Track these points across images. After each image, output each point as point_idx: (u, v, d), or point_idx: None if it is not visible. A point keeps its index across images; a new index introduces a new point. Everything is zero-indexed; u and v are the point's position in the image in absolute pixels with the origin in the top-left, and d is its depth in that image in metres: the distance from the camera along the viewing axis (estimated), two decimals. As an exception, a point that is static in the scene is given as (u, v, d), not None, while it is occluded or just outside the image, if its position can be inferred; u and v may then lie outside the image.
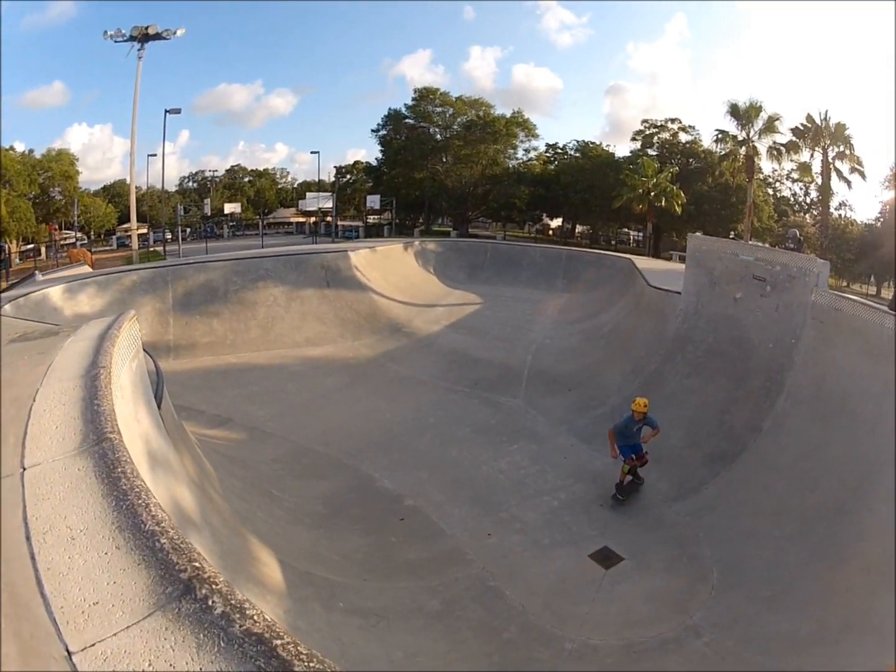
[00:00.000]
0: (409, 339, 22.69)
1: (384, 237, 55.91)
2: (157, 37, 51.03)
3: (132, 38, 50.42)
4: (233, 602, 2.74)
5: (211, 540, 6.20)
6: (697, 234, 27.67)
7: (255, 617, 2.70)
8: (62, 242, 65.36)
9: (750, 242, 40.65)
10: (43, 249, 62.96)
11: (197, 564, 3.00)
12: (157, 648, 2.62)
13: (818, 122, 47.52)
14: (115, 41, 50.57)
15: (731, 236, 47.27)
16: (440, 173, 65.75)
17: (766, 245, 41.77)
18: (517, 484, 13.60)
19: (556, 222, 78.43)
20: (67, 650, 2.65)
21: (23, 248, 65.38)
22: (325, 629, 6.93)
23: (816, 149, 48.22)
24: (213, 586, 2.83)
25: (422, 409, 17.06)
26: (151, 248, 61.46)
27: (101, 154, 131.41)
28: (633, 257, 32.26)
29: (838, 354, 13.08)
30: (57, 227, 71.10)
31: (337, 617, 7.42)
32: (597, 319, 24.36)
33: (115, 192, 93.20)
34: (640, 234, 65.82)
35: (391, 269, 29.39)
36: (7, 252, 57.98)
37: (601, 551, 11.16)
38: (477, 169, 65.15)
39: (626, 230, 72.85)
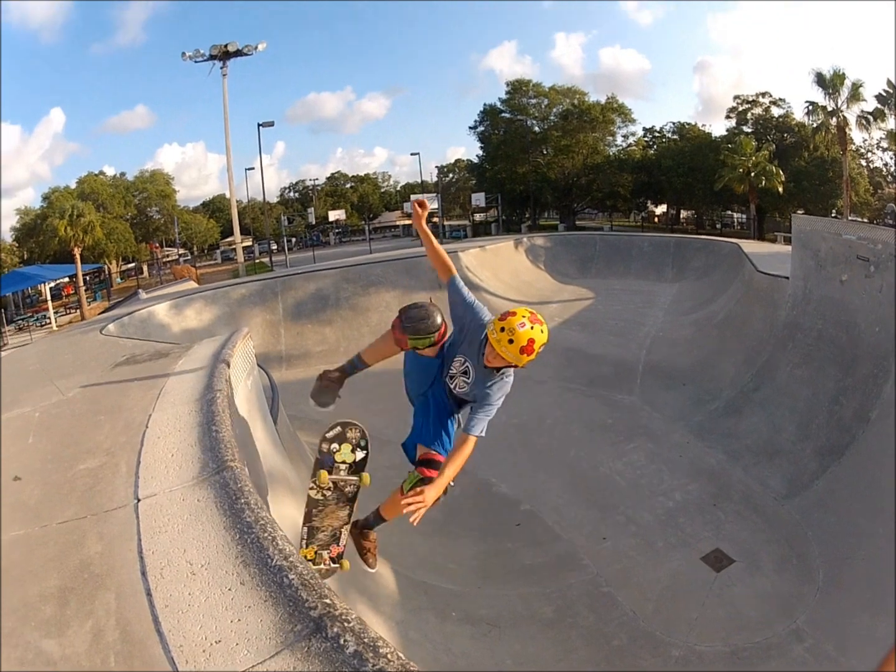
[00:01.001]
0: (523, 339, 22.47)
1: (492, 235, 56.06)
2: (238, 53, 51.69)
3: (212, 58, 51.21)
4: (366, 640, 2.71)
5: None
6: (800, 213, 26.98)
7: (389, 656, 2.64)
8: (164, 260, 67.29)
9: (850, 219, 39.54)
10: (145, 268, 64.98)
11: (328, 601, 2.97)
12: None
13: None
14: (196, 61, 51.46)
15: (833, 214, 46.04)
16: (542, 166, 65.49)
17: (865, 220, 40.55)
18: (633, 485, 13.50)
19: (661, 209, 77.30)
20: None
21: (123, 268, 67.54)
22: (437, 639, 7.02)
23: None
24: (346, 624, 2.81)
25: (539, 410, 17.00)
26: (258, 260, 62.71)
27: (196, 172, 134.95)
28: (739, 241, 31.54)
29: None
30: (158, 245, 73.13)
31: (450, 626, 7.50)
32: (708, 309, 23.99)
33: (214, 207, 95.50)
34: (744, 216, 64.42)
35: (502, 266, 29.43)
36: (108, 273, 60.04)
37: (713, 553, 11.01)
38: (578, 159, 64.67)
39: (729, 213, 71.38)
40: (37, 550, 3.69)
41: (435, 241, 5.44)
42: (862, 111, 46.82)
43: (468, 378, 5.22)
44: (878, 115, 46.61)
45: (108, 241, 59.69)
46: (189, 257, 74.28)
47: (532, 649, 7.91)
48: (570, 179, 65.48)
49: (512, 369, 5.20)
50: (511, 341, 4.64)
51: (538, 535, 11.28)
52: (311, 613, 2.88)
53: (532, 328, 4.69)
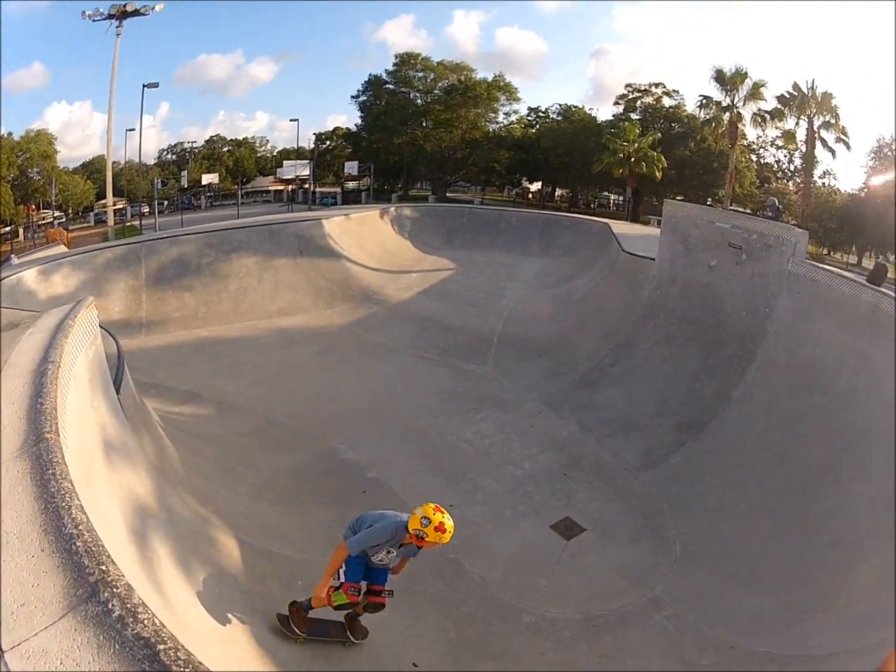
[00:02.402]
0: (380, 306, 22.68)
1: (362, 203, 55.61)
2: (136, 13, 50.76)
3: (110, 17, 50.02)
4: (128, 606, 2.88)
5: (167, 524, 6.25)
6: (676, 199, 27.69)
7: (146, 621, 2.84)
8: (40, 223, 64.96)
9: (731, 208, 40.68)
10: (21, 231, 62.61)
11: (104, 568, 3.10)
12: (67, 648, 2.80)
13: (805, 90, 47.37)
14: (94, 20, 50.23)
15: (708, 203, 47.29)
16: (419, 138, 65.34)
17: (748, 211, 41.80)
18: (482, 453, 13.60)
19: (536, 186, 78.01)
20: (0, 649, 2.80)
21: (1, 232, 65.08)
22: (282, 608, 6.89)
23: (802, 117, 48.15)
24: (114, 590, 2.96)
25: (390, 378, 17.08)
26: (129, 223, 61.06)
27: (80, 131, 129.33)
28: (610, 222, 32.11)
29: (813, 326, 13.20)
30: (35, 207, 70.48)
31: (295, 594, 7.33)
32: (570, 285, 24.37)
33: (93, 169, 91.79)
34: (621, 197, 65.56)
35: (366, 235, 29.16)
36: None
37: (563, 522, 11.17)
38: (457, 133, 64.70)
39: (606, 194, 72.48)
40: None
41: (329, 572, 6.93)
42: (760, 109, 48.10)
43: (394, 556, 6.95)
44: (776, 114, 47.89)
45: None
46: (63, 220, 71.83)
47: (380, 616, 7.90)
48: (447, 153, 65.46)
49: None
50: (445, 531, 6.33)
51: (384, 502, 10.91)
52: (90, 579, 3.07)
53: (449, 525, 6.38)
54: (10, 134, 71.37)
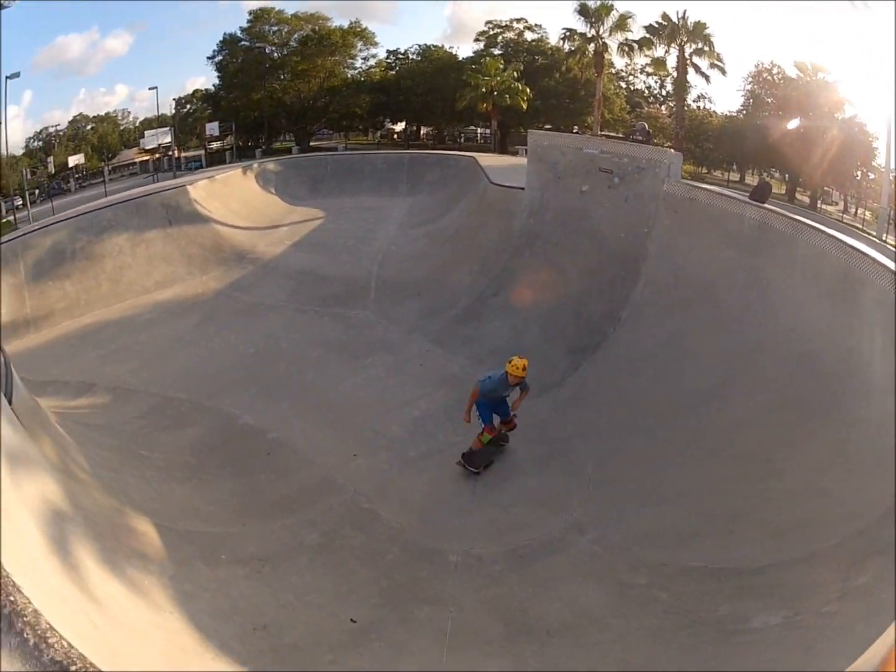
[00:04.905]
0: (254, 265, 22.36)
1: (227, 163, 54.63)
2: None
3: None
4: (38, 632, 2.95)
5: (84, 525, 6.19)
6: (545, 129, 27.78)
7: (55, 645, 2.93)
8: None
9: (600, 134, 41.13)
10: None
11: (12, 598, 3.12)
12: None
13: (675, 20, 47.78)
14: None
15: (574, 130, 47.70)
16: (277, 91, 64.29)
17: (619, 136, 42.28)
18: (377, 399, 13.80)
19: (400, 126, 77.67)
20: None
21: None
22: (213, 587, 6.97)
23: (672, 45, 48.53)
24: (24, 618, 3.01)
25: (273, 336, 17.00)
26: (4, 220, 58.96)
27: None
28: (477, 155, 32.19)
29: (696, 244, 13.62)
30: None
31: (222, 571, 7.45)
32: (441, 222, 24.46)
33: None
34: (488, 131, 65.67)
35: (231, 195, 28.40)
36: None
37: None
38: (315, 83, 63.80)
39: (472, 128, 72.47)
40: None
41: (469, 404, 11.64)
42: (627, 39, 48.32)
43: (508, 393, 11.30)
44: (644, 43, 48.10)
45: None
46: (-72, 222, 68.89)
47: (309, 578, 8.00)
48: (306, 103, 64.61)
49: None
50: (515, 367, 10.64)
51: (290, 462, 11.31)
52: (4, 611, 3.07)
53: (520, 360, 10.70)
54: None
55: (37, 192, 71.34)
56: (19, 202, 59.17)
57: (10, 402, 7.72)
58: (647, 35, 48.31)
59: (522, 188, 19.19)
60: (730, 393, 10.98)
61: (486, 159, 29.41)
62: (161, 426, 12.59)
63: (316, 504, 10.16)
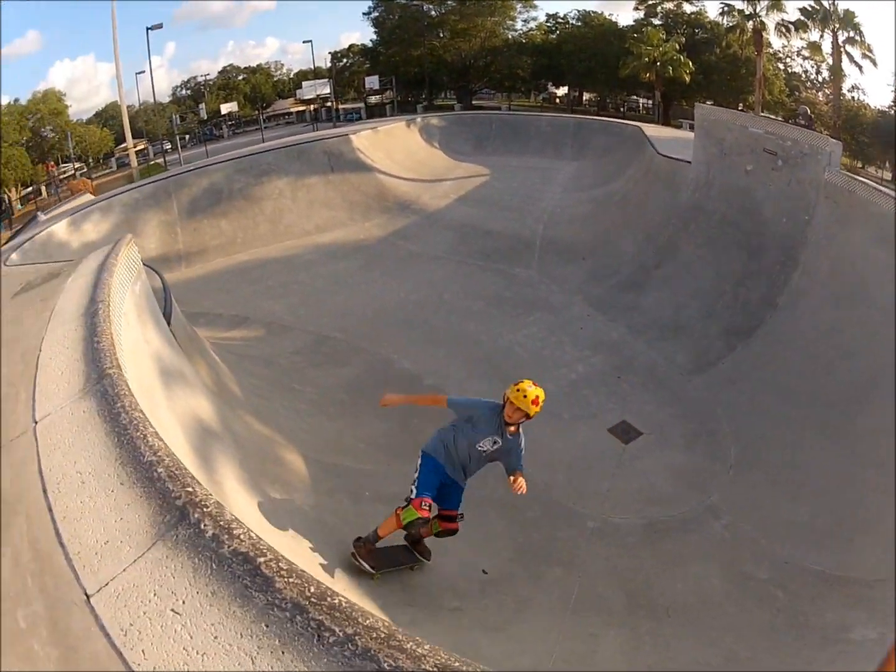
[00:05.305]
0: (418, 215, 22.32)
1: (387, 116, 55.05)
2: None
3: None
4: (221, 523, 2.87)
5: (233, 446, 6.32)
6: (705, 104, 26.97)
7: (242, 536, 2.83)
8: (61, 177, 65.23)
9: (762, 115, 39.82)
10: (43, 189, 62.95)
11: (190, 489, 3.08)
12: (160, 578, 2.77)
13: (826, 5, 46.06)
14: None
15: (739, 108, 46.40)
16: (438, 48, 64.61)
17: (779, 119, 40.99)
18: (535, 357, 13.60)
19: (563, 91, 76.93)
20: (86, 594, 2.79)
21: (23, 193, 65.36)
22: (352, 520, 7.05)
23: (826, 30, 46.74)
24: (204, 509, 2.95)
25: (436, 286, 16.97)
26: (152, 162, 60.92)
27: (86, 84, 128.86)
28: (641, 125, 30.82)
29: (853, 237, 12.74)
30: (54, 163, 70.65)
31: (364, 506, 7.56)
32: (607, 187, 23.74)
33: (108, 116, 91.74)
34: (650, 101, 64.49)
35: (395, 147, 28.57)
36: (8, 202, 57.98)
37: (620, 425, 11.17)
38: (476, 42, 63.87)
39: (634, 98, 71.30)
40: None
41: (412, 397, 7.89)
42: (783, 20, 47.09)
43: (499, 446, 6.64)
44: (800, 25, 46.79)
45: (5, 169, 57.28)
46: (84, 170, 71.98)
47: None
48: (467, 62, 64.75)
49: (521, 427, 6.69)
50: (525, 396, 6.20)
51: (442, 409, 11.21)
52: (177, 503, 3.04)
53: (535, 388, 6.28)
54: (16, 100, 71.54)
55: (187, 137, 73.96)
56: (168, 146, 61.23)
57: (168, 324, 7.83)
58: (802, 17, 46.65)
59: (688, 161, 18.51)
60: (880, 397, 10.26)
61: (650, 129, 28.61)
62: (315, 363, 12.78)
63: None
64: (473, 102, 65.40)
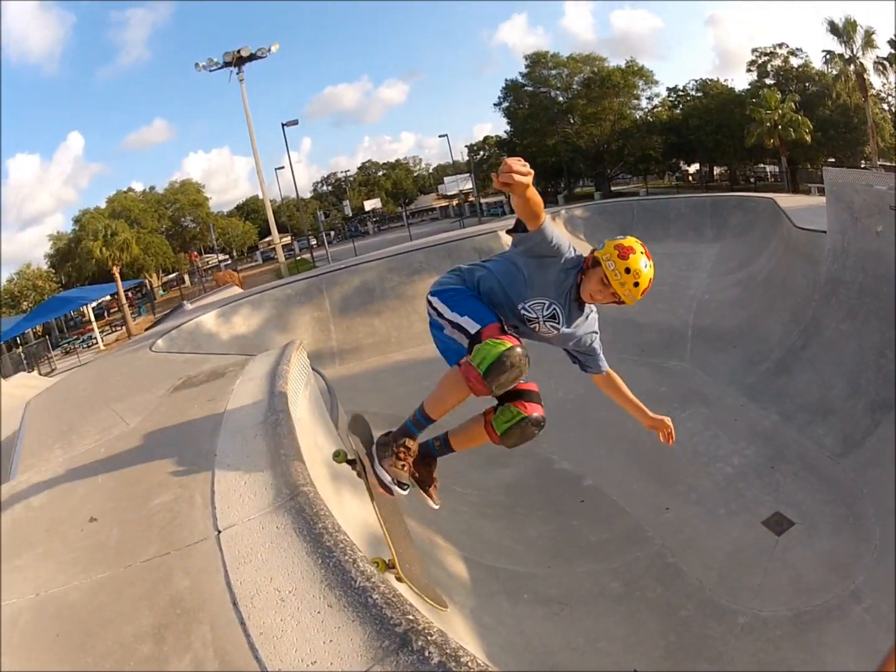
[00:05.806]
0: (572, 313, 22.20)
1: (545, 209, 55.81)
2: (253, 57, 52.91)
3: (227, 64, 51.99)
4: (448, 651, 2.87)
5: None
6: (830, 162, 26.37)
7: (470, 663, 2.81)
8: (205, 267, 67.98)
9: (879, 164, 38.83)
10: (186, 277, 65.58)
11: (411, 617, 3.12)
12: None
13: None
14: (210, 70, 52.59)
15: (862, 163, 45.45)
16: (571, 135, 65.66)
17: (894, 165, 40.00)
18: (691, 452, 13.49)
19: (694, 167, 76.69)
20: None
21: (165, 280, 68.22)
22: (510, 623, 7.15)
23: None
24: (429, 637, 2.97)
25: (593, 384, 16.75)
26: (299, 258, 62.78)
27: (224, 176, 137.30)
28: (774, 196, 30.64)
29: None
30: (197, 253, 73.69)
31: (522, 609, 7.64)
32: (750, 268, 23.35)
33: (249, 209, 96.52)
34: (776, 168, 63.64)
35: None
36: (150, 287, 60.75)
37: (774, 517, 10.98)
38: (606, 125, 64.88)
39: (762, 166, 70.53)
40: (125, 591, 3.86)
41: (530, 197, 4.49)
42: (878, 57, 46.51)
43: (557, 322, 4.85)
44: (893, 60, 46.18)
45: (145, 255, 60.75)
46: (229, 261, 74.81)
47: (603, 625, 8.00)
48: (601, 146, 65.67)
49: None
50: (636, 284, 4.51)
51: (602, 510, 11.30)
52: (397, 630, 3.05)
53: (650, 267, 4.60)
54: (152, 188, 75.29)
55: (332, 233, 76.13)
56: (313, 242, 63.08)
57: (336, 426, 8.21)
58: (893, 51, 45.74)
59: (824, 231, 18.13)
60: None
61: (783, 200, 28.10)
62: (475, 465, 12.85)
63: (623, 554, 10.17)
64: (612, 189, 65.81)
